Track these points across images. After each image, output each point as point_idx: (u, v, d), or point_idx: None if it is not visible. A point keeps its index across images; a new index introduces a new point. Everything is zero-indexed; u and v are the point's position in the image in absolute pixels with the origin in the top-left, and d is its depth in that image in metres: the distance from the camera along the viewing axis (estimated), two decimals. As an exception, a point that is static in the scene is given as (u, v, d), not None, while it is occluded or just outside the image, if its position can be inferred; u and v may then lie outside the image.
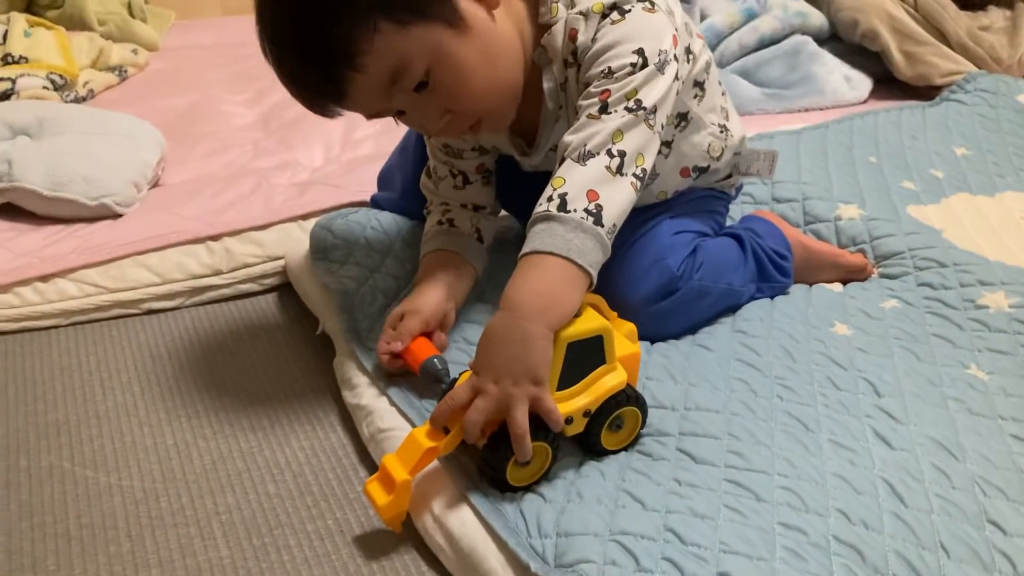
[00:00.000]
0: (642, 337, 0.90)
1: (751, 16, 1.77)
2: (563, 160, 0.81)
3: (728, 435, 0.80)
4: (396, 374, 0.89)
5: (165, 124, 1.48)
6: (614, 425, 0.78)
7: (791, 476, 0.75)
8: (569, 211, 0.78)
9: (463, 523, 0.73)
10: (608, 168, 0.80)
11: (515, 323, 0.74)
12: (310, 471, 0.85)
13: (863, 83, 1.77)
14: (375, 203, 1.19)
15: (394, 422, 0.85)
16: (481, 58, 0.81)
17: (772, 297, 1.04)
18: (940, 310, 1.01)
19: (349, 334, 0.96)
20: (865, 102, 1.76)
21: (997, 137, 1.50)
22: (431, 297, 0.91)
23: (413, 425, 0.83)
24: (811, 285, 1.08)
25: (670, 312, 0.93)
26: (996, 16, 1.94)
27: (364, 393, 0.90)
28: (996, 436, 0.81)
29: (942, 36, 1.81)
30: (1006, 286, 1.02)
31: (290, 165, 1.40)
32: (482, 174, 1.01)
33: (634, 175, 0.81)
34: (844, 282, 1.10)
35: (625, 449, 0.79)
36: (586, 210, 0.78)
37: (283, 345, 1.06)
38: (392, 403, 0.87)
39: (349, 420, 0.91)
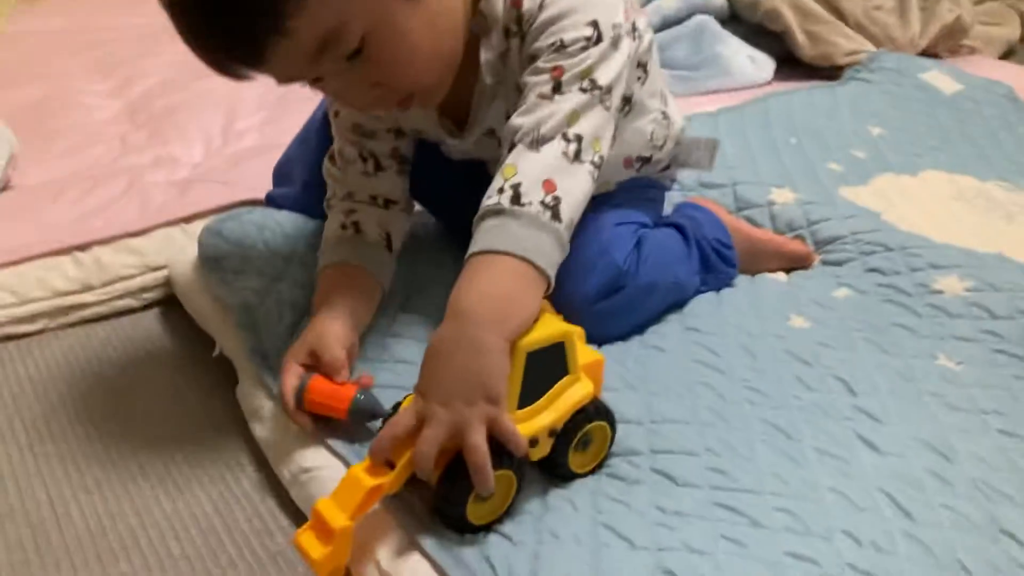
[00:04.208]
0: (587, 340, 0.80)
1: (652, -5, 1.71)
2: (513, 146, 0.71)
3: (705, 450, 0.71)
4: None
5: (13, 118, 1.31)
6: (581, 444, 0.69)
7: (785, 495, 0.67)
8: (524, 204, 0.68)
9: (418, 578, 0.62)
10: (565, 154, 0.70)
11: (465, 334, 0.64)
12: (221, 524, 0.72)
13: (767, 64, 1.74)
14: (271, 201, 1.05)
15: (319, 459, 0.73)
16: (426, 29, 0.70)
17: (718, 290, 0.97)
18: (894, 297, 0.96)
19: (254, 356, 0.83)
20: (769, 83, 1.72)
21: (907, 116, 1.48)
22: (339, 330, 0.76)
23: (344, 460, 0.72)
24: (753, 275, 1.01)
25: (617, 311, 0.85)
26: (885, -4, 1.95)
27: (279, 427, 0.76)
28: (984, 433, 0.75)
29: (839, 16, 1.79)
30: (958, 268, 0.97)
31: (166, 161, 1.25)
32: (396, 160, 0.89)
33: (592, 162, 0.72)
34: (787, 271, 1.04)
35: (593, 471, 0.70)
36: (543, 203, 0.68)
37: (173, 371, 0.91)
38: (315, 437, 0.74)
39: (262, 459, 0.78)
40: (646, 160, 0.92)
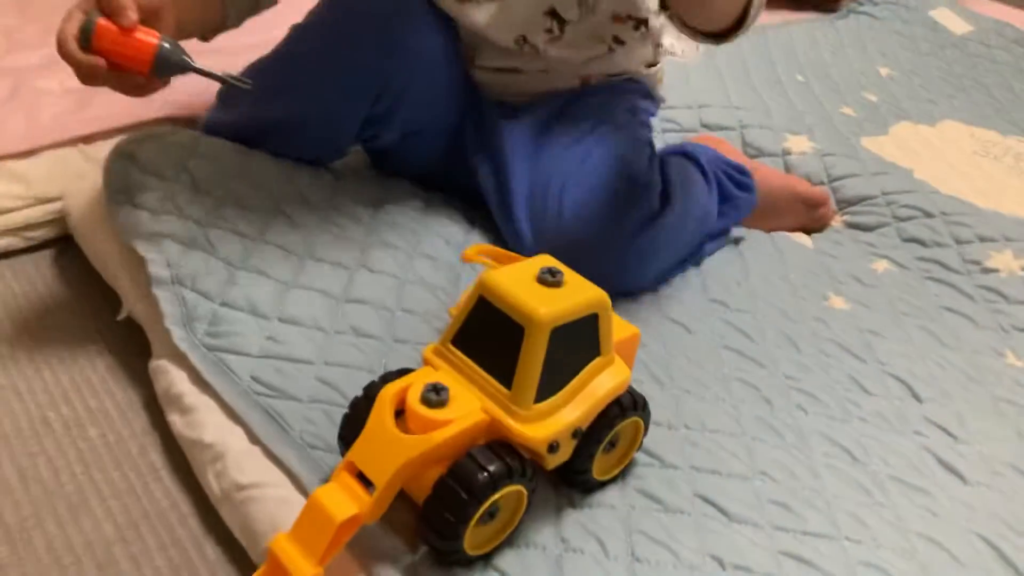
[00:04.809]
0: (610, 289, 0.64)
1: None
2: None
3: (759, 473, 0.57)
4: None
5: None
6: (608, 444, 0.54)
7: (867, 543, 0.53)
8: None
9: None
10: None
11: None
12: (123, 553, 0.54)
13: (757, -10, 1.57)
14: (210, 130, 0.82)
15: (261, 474, 0.55)
16: None
17: (736, 221, 0.84)
18: (941, 275, 0.83)
19: (175, 325, 0.64)
20: (758, 12, 1.57)
21: (918, 58, 1.34)
22: None
23: (294, 478, 0.55)
24: (769, 231, 0.87)
25: (656, 247, 0.73)
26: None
27: (207, 421, 0.59)
28: (1081, 457, 0.62)
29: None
30: (1012, 243, 0.84)
31: (61, 64, 1.01)
32: None
33: None
34: (807, 231, 0.90)
35: (617, 478, 0.56)
36: None
37: (65, 335, 0.72)
38: (255, 440, 0.57)
39: (181, 460, 0.60)
40: (641, 23, 0.82)
